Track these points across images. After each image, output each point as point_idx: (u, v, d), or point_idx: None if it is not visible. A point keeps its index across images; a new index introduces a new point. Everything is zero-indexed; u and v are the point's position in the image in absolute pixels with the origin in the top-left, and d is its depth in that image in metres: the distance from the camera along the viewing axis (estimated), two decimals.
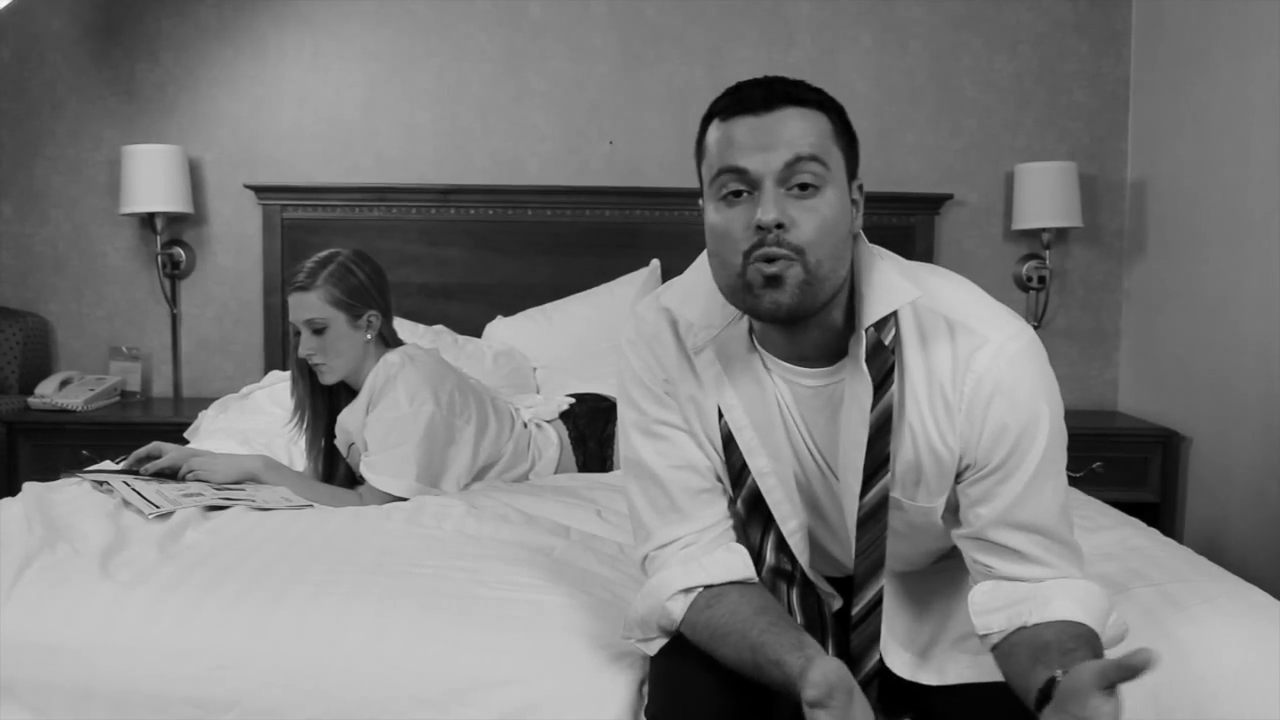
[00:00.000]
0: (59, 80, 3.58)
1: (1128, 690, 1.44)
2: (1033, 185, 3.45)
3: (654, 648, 1.38)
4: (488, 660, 1.50)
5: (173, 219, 3.53)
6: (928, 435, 1.27)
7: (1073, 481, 2.96)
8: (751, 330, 1.33)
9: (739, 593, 1.31)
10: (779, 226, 1.19)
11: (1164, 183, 3.40)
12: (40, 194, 3.60)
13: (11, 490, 2.30)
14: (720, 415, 1.34)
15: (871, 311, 1.25)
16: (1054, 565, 1.29)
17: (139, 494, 2.08)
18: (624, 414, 1.41)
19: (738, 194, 1.23)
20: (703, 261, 1.36)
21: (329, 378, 2.29)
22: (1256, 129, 2.87)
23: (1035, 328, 3.58)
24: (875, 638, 1.32)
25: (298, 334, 2.27)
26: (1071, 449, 3.44)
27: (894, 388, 1.26)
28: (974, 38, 3.59)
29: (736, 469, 1.34)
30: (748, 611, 1.28)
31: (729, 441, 1.34)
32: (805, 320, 1.26)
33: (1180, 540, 3.03)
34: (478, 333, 3.39)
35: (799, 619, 1.37)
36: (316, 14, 3.57)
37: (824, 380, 1.31)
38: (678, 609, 1.33)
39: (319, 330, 2.24)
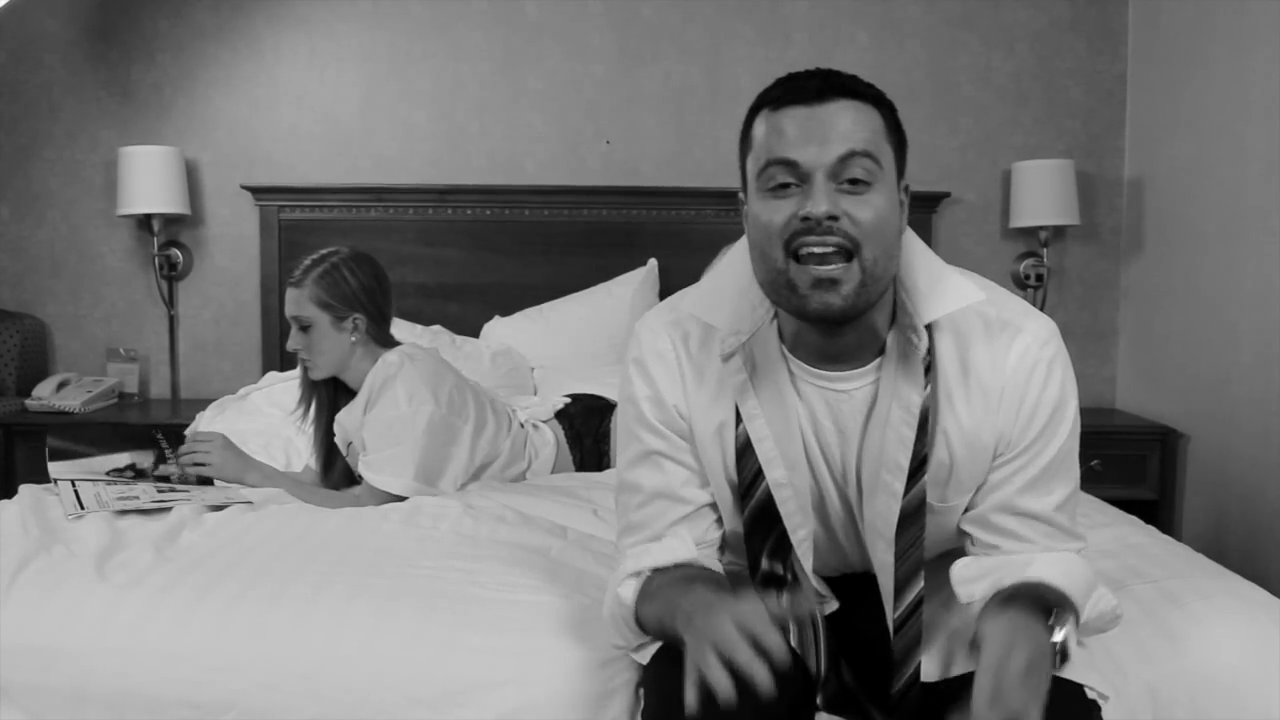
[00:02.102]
0: (55, 82, 3.57)
1: (1126, 690, 1.45)
2: (1030, 183, 3.45)
3: (645, 655, 1.38)
4: (484, 661, 1.49)
5: (170, 220, 3.53)
6: (963, 432, 1.27)
7: None
8: (781, 336, 1.30)
9: (681, 569, 1.32)
10: (831, 219, 1.16)
11: (1161, 180, 3.40)
12: (37, 195, 3.59)
13: (8, 492, 2.29)
14: (739, 422, 1.30)
15: (932, 308, 1.24)
16: (1046, 545, 1.31)
17: (76, 494, 2.07)
18: (621, 430, 1.41)
19: (785, 186, 1.19)
20: (725, 265, 1.34)
21: (314, 374, 2.33)
22: (1253, 126, 2.87)
23: None
24: (918, 641, 1.30)
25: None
26: None
27: (932, 386, 1.25)
28: (971, 36, 3.59)
29: (749, 478, 1.31)
30: (680, 580, 1.29)
31: (745, 450, 1.30)
32: (848, 324, 1.23)
33: (1178, 537, 3.03)
34: (475, 333, 3.39)
35: (791, 625, 1.35)
36: (313, 15, 3.56)
37: (857, 383, 1.29)
38: (628, 594, 1.33)
39: (305, 328, 2.27)
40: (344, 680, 1.49)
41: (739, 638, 1.09)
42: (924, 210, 3.55)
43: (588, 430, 2.61)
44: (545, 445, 2.55)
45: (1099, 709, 1.27)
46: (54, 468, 2.24)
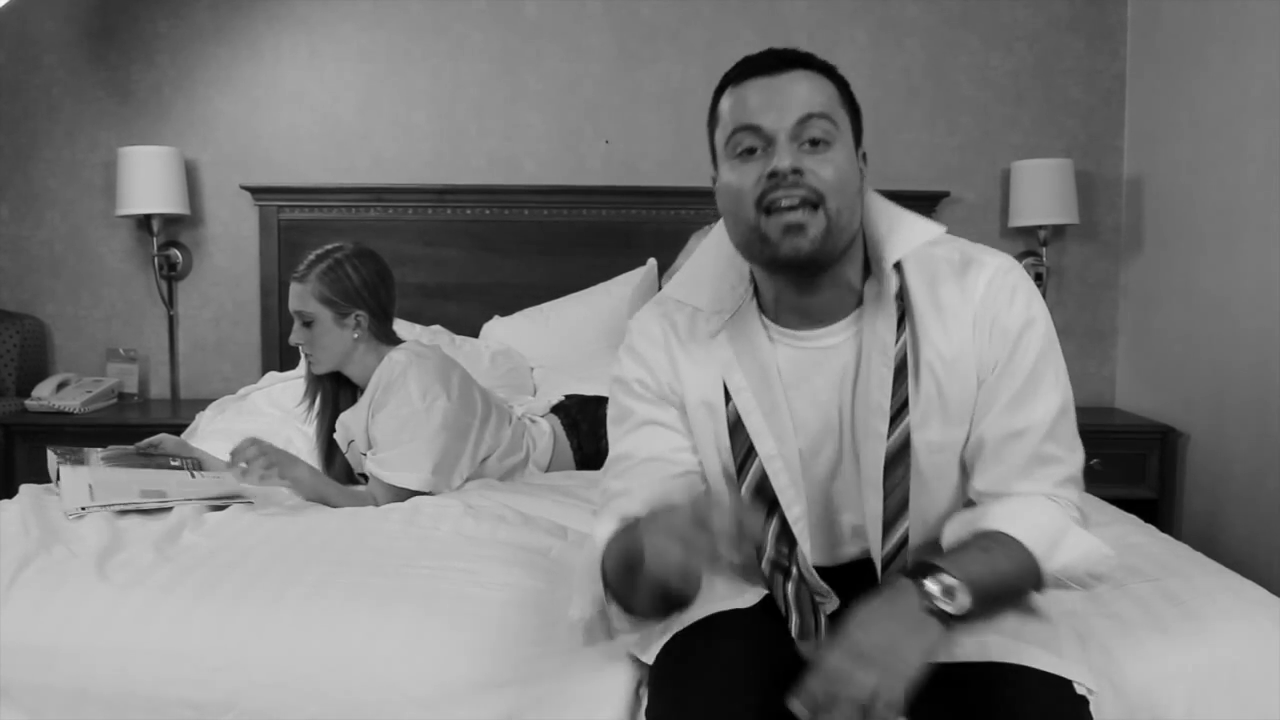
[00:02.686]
0: (55, 82, 3.57)
1: (1124, 688, 1.45)
2: (1029, 182, 3.46)
3: (651, 654, 1.38)
4: (484, 661, 1.49)
5: (169, 220, 3.53)
6: (945, 363, 1.32)
7: None
8: (761, 309, 1.38)
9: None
10: (796, 172, 1.25)
11: (1160, 179, 3.40)
12: (37, 196, 3.59)
13: (9, 492, 2.29)
14: (728, 400, 1.36)
15: (897, 249, 1.34)
16: (1027, 472, 1.33)
17: (72, 471, 2.09)
18: (612, 417, 1.45)
19: (751, 151, 1.29)
20: (701, 251, 1.43)
21: (316, 368, 2.34)
22: (1253, 125, 2.87)
23: None
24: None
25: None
26: None
27: (909, 326, 1.32)
28: (970, 35, 3.59)
29: (742, 456, 1.36)
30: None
31: (736, 426, 1.36)
32: (819, 274, 1.31)
33: (1178, 536, 3.02)
34: (475, 333, 3.39)
35: (794, 615, 1.38)
36: (312, 15, 3.57)
37: (839, 337, 1.35)
38: (604, 531, 1.33)
39: (307, 323, 2.28)
40: (344, 680, 1.49)
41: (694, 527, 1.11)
42: (923, 209, 3.50)
43: (584, 416, 2.63)
44: (543, 436, 2.57)
45: (1087, 704, 1.28)
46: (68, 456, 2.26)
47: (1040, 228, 3.50)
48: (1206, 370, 3.11)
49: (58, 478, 2.21)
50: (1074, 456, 1.37)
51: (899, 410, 1.32)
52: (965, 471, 1.38)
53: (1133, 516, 2.16)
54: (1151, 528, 2.08)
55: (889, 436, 1.32)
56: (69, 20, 3.57)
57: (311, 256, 2.30)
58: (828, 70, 1.34)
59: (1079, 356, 3.66)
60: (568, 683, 1.46)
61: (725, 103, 1.34)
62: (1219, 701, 1.47)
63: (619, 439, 1.44)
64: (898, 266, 1.34)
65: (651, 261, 3.45)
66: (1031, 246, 3.59)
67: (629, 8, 3.57)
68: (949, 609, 1.20)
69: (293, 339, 2.31)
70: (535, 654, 1.50)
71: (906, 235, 1.35)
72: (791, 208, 1.26)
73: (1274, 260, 2.77)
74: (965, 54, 3.59)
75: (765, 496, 1.37)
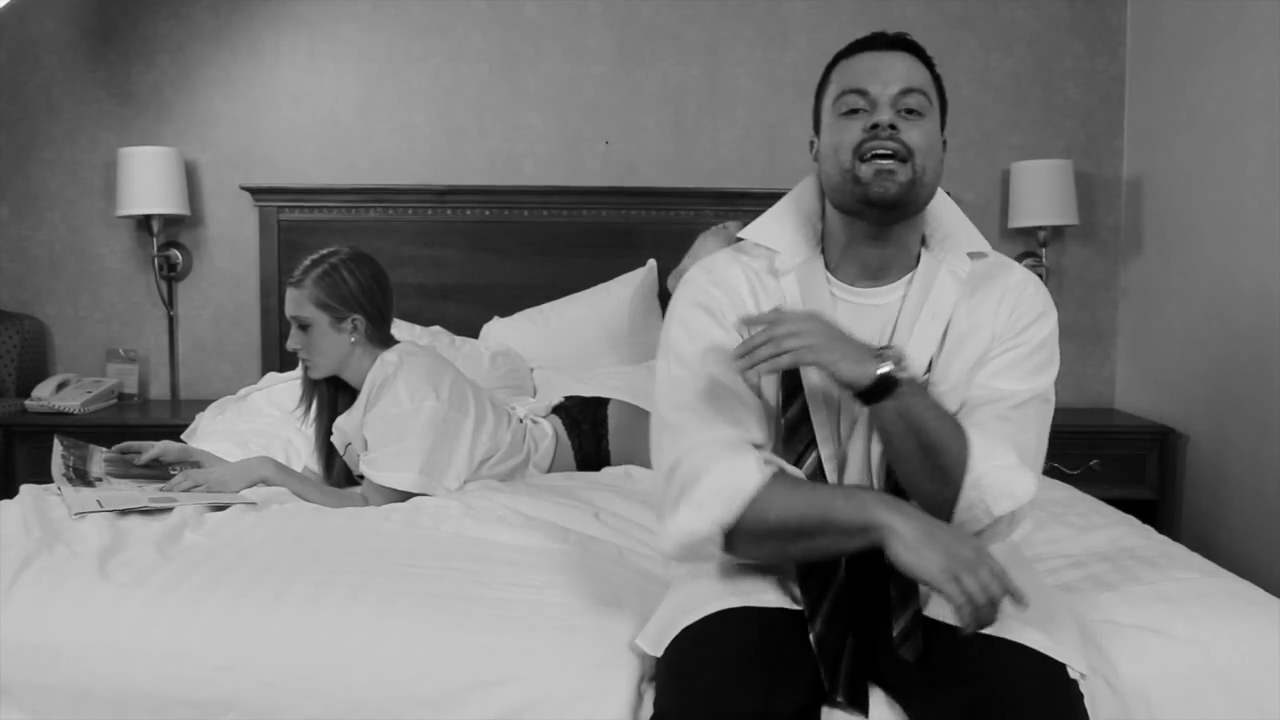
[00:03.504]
0: (55, 83, 3.58)
1: (1121, 688, 1.46)
2: (1029, 183, 3.46)
3: (660, 647, 1.40)
4: (486, 660, 1.50)
5: (169, 221, 3.53)
6: (964, 333, 1.48)
7: (1070, 479, 2.99)
8: (825, 264, 1.53)
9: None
10: (892, 128, 1.42)
11: (1160, 180, 3.40)
12: (36, 196, 3.59)
13: (9, 493, 2.30)
14: None
15: (970, 241, 1.53)
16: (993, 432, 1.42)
17: (75, 493, 2.10)
18: (677, 334, 1.51)
19: (855, 111, 1.46)
20: (782, 206, 1.57)
21: (313, 373, 2.34)
22: (1252, 126, 2.88)
23: None
24: (914, 590, 1.40)
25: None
26: (1069, 447, 3.46)
27: (953, 299, 1.49)
28: (969, 36, 3.59)
29: (790, 385, 1.47)
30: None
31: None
32: (893, 224, 1.47)
33: (1177, 537, 3.03)
34: (475, 333, 3.39)
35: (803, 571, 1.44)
36: (312, 15, 3.57)
37: (888, 297, 1.50)
38: (754, 479, 1.38)
39: (304, 327, 2.28)
40: (345, 679, 1.49)
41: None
42: None
43: (585, 416, 2.63)
44: (544, 438, 2.56)
45: (1078, 687, 1.33)
46: (72, 448, 2.28)
47: (1040, 228, 3.50)
48: (1206, 371, 3.11)
49: (63, 472, 2.21)
50: (1040, 442, 1.48)
51: (927, 366, 1.47)
52: None
53: (1130, 517, 2.17)
54: (1149, 528, 2.08)
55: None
56: (69, 21, 3.57)
57: (307, 261, 2.30)
58: (928, 60, 1.53)
59: (1079, 357, 3.67)
60: (570, 681, 1.46)
61: (837, 71, 1.52)
62: (1217, 702, 1.48)
63: (684, 350, 1.49)
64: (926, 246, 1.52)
65: (651, 262, 3.45)
66: (1031, 247, 3.59)
67: (629, 9, 3.57)
68: (900, 375, 1.35)
69: (290, 344, 2.31)
70: (536, 653, 1.50)
71: (972, 238, 1.54)
72: (884, 155, 1.42)
73: (1273, 261, 2.78)
74: (965, 55, 3.60)
75: (803, 430, 1.47)
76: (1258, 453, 2.86)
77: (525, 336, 3.31)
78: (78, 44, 3.57)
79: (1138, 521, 2.14)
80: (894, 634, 1.39)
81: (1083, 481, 2.99)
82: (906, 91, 1.45)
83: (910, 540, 1.28)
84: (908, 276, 1.51)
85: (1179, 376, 3.27)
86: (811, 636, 1.39)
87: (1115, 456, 3.26)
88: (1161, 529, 2.17)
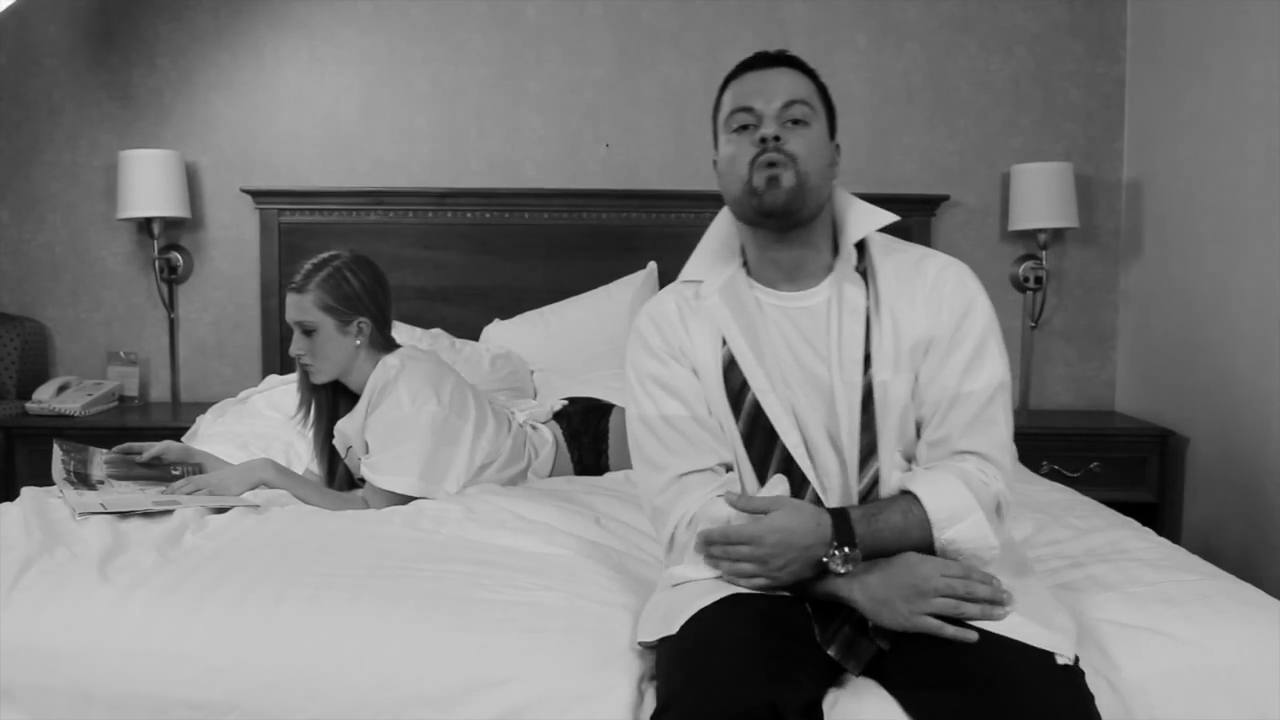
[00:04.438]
0: (56, 85, 3.58)
1: (1122, 688, 1.46)
2: (1029, 186, 3.46)
3: (672, 629, 1.43)
4: (486, 660, 1.50)
5: (170, 224, 3.54)
6: (899, 321, 1.57)
7: (1070, 482, 2.99)
8: (749, 272, 1.65)
9: None
10: (777, 139, 1.55)
11: (1160, 183, 3.40)
12: (38, 199, 3.60)
13: (10, 495, 2.30)
14: (724, 345, 1.60)
15: (857, 230, 1.62)
16: (965, 433, 1.53)
17: (78, 495, 2.10)
18: (633, 386, 1.65)
19: (745, 127, 1.59)
20: (707, 234, 1.71)
21: (317, 378, 2.33)
22: (1252, 129, 2.88)
23: (1032, 328, 3.59)
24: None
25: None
26: (1069, 449, 3.46)
27: (872, 292, 1.59)
28: (969, 39, 3.60)
29: (736, 390, 1.58)
30: None
31: (730, 366, 1.59)
32: (793, 227, 1.59)
33: (1178, 540, 3.04)
34: (475, 336, 3.39)
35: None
36: (313, 18, 3.57)
37: (813, 299, 1.61)
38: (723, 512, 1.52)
39: (308, 332, 2.27)
40: (346, 680, 1.49)
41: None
42: (923, 213, 3.56)
43: (586, 429, 2.62)
44: (544, 444, 2.55)
45: (1071, 671, 1.39)
46: (73, 451, 2.28)
47: (1040, 231, 3.50)
48: (1206, 374, 3.12)
49: (64, 475, 2.21)
50: (1009, 427, 1.58)
51: (865, 362, 1.55)
52: (916, 427, 1.58)
53: (1130, 520, 2.16)
54: (1149, 531, 2.08)
55: (861, 384, 1.54)
56: (70, 24, 3.58)
57: (308, 266, 2.29)
58: (810, 71, 1.64)
59: (1079, 360, 3.67)
60: (571, 681, 1.46)
61: (726, 94, 1.64)
62: (1217, 703, 1.48)
63: (643, 407, 1.63)
64: (861, 245, 1.62)
65: (652, 265, 3.46)
66: (1031, 250, 3.59)
67: (629, 12, 3.58)
68: (840, 569, 1.45)
69: (293, 350, 2.30)
70: (536, 653, 1.50)
71: (868, 219, 1.63)
72: (773, 164, 1.54)
73: (1273, 263, 2.78)
74: (965, 58, 3.60)
75: (762, 426, 1.56)
76: (1258, 455, 2.86)
77: (526, 339, 3.31)
78: (78, 47, 3.58)
79: (1138, 524, 2.14)
80: (870, 621, 1.43)
81: (1083, 484, 3.00)
82: (789, 104, 1.57)
83: (870, 609, 1.43)
84: (828, 278, 1.62)
85: (1179, 379, 3.27)
86: (808, 605, 1.47)
87: (1116, 459, 3.26)
88: (1162, 532, 2.17)
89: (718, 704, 1.29)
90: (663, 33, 3.58)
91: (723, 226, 1.70)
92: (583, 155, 3.61)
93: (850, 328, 1.56)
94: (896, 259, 1.62)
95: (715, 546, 1.48)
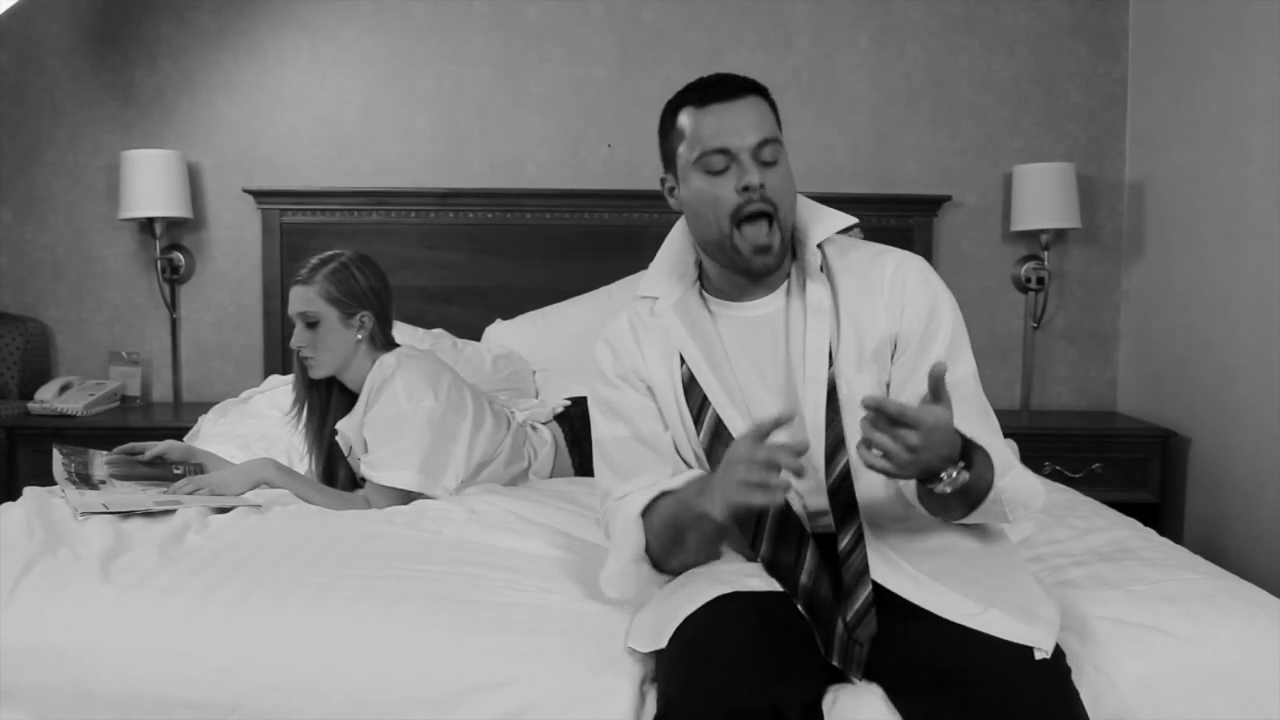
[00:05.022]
0: (58, 86, 3.58)
1: (1123, 688, 1.46)
2: (1031, 186, 3.46)
3: (662, 640, 1.43)
4: (488, 661, 1.50)
5: (172, 224, 3.54)
6: (861, 319, 1.57)
7: (1072, 482, 2.99)
8: (704, 289, 1.67)
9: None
10: (760, 185, 1.52)
11: (1162, 183, 3.40)
12: (40, 199, 3.60)
13: (12, 495, 2.30)
14: (682, 363, 1.61)
15: (819, 231, 1.62)
16: (974, 427, 1.47)
17: (80, 495, 2.10)
18: (591, 411, 1.69)
19: (723, 169, 1.55)
20: (661, 251, 1.72)
21: (317, 372, 2.33)
22: (1254, 129, 2.88)
23: (1034, 329, 3.59)
24: (854, 506, 1.50)
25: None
26: (1071, 450, 3.47)
27: (832, 292, 1.59)
28: (971, 39, 3.59)
29: (697, 406, 1.59)
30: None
31: (690, 384, 1.60)
32: None
33: (1180, 541, 3.03)
34: (477, 336, 3.39)
35: (769, 547, 1.51)
36: (314, 18, 3.57)
37: (769, 307, 1.62)
38: (636, 506, 1.54)
39: (311, 324, 2.28)
40: (348, 681, 1.49)
41: (752, 464, 1.33)
42: (925, 214, 3.56)
43: (587, 433, 2.61)
44: (544, 445, 2.56)
45: (1068, 672, 1.40)
46: (73, 455, 2.28)
47: (1042, 232, 3.50)
48: (1208, 374, 3.11)
49: (66, 477, 2.22)
50: (992, 413, 1.58)
51: (829, 359, 1.55)
52: None
53: (1133, 520, 2.16)
54: (1151, 531, 2.08)
55: (826, 379, 1.54)
56: (72, 24, 3.58)
57: (314, 261, 2.32)
58: (766, 92, 1.61)
59: (1080, 361, 3.66)
60: (572, 683, 1.47)
61: (687, 121, 1.59)
62: (1219, 702, 1.48)
63: (600, 429, 1.66)
64: (820, 248, 1.62)
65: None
66: (1033, 250, 3.59)
67: (631, 12, 3.58)
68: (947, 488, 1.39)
69: (294, 342, 2.31)
70: (538, 654, 1.50)
71: (829, 221, 1.63)
72: (758, 215, 1.53)
73: (1276, 264, 2.78)
74: (967, 58, 3.60)
75: (723, 441, 1.54)
76: (1260, 456, 2.86)
77: (527, 339, 3.31)
78: (81, 47, 3.58)
79: (1139, 524, 2.14)
80: (846, 617, 1.43)
81: (1085, 485, 3.00)
82: (763, 144, 1.54)
83: (713, 506, 1.39)
84: (784, 285, 1.63)
85: (1181, 380, 3.27)
86: (801, 607, 1.46)
87: (1117, 460, 3.26)
88: (1164, 532, 2.17)
89: (720, 706, 1.29)
90: (664, 33, 3.58)
91: (678, 242, 1.71)
92: (584, 155, 3.61)
93: (815, 325, 1.57)
94: (851, 258, 1.62)
95: (880, 420, 1.31)
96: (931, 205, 3.55)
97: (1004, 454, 1.45)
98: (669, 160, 1.64)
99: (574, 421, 2.63)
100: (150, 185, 3.39)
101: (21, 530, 1.87)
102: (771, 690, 1.31)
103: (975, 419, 1.50)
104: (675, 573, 1.58)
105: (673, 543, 1.53)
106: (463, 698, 1.47)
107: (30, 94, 3.58)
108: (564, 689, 1.46)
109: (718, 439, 1.56)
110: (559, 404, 2.72)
